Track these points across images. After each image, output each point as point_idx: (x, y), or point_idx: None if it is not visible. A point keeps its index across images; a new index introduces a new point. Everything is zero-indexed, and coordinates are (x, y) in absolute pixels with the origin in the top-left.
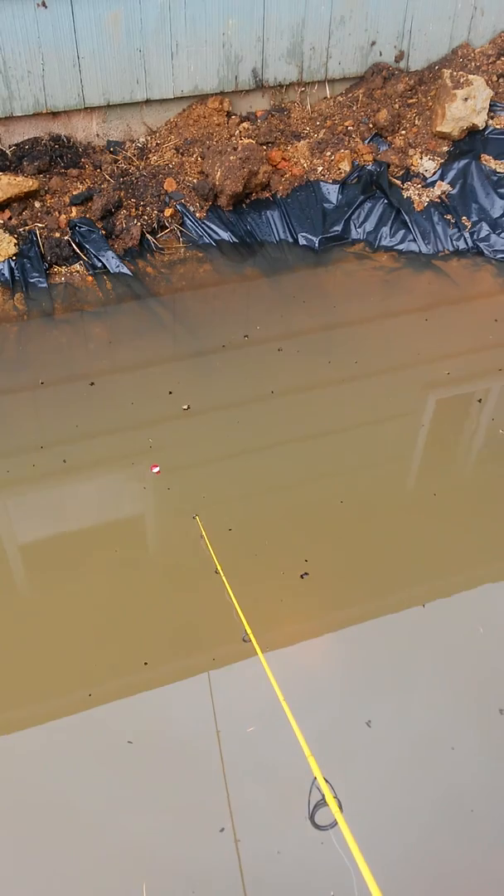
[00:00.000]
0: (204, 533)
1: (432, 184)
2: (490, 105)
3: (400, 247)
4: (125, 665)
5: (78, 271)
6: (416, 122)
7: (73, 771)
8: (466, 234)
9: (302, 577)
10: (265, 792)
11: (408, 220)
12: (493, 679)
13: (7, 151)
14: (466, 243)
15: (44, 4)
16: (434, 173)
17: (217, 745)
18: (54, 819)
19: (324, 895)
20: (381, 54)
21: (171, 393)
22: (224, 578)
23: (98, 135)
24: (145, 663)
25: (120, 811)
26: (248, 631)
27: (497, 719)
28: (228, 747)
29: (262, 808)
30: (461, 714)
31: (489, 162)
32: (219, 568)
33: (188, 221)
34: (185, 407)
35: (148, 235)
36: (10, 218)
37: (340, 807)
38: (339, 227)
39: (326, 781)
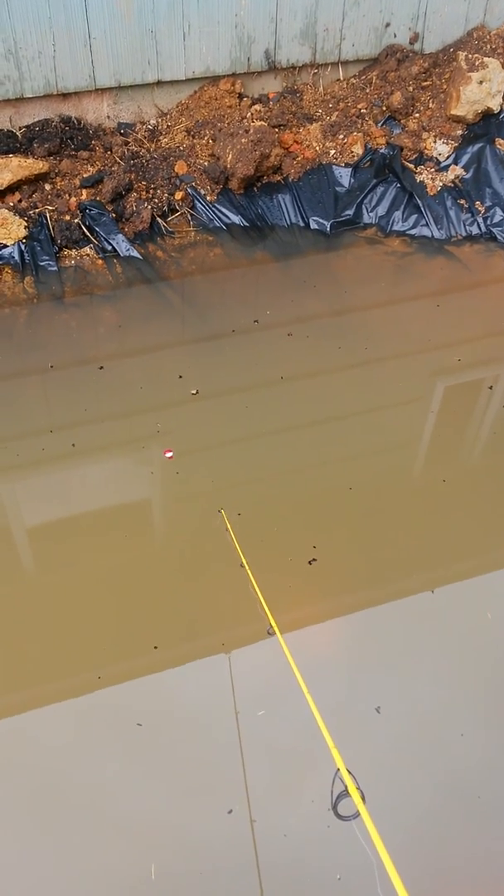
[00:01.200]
0: (230, 526)
1: (446, 168)
2: None
3: (412, 231)
4: (135, 648)
5: (88, 254)
6: (430, 105)
7: (82, 753)
8: (480, 219)
9: (310, 563)
10: (275, 775)
11: (420, 205)
12: (502, 665)
13: (17, 133)
14: (479, 228)
15: None
16: (448, 157)
17: (226, 728)
18: (63, 800)
19: (331, 877)
20: (395, 36)
21: (181, 377)
22: (250, 573)
23: (109, 116)
24: (155, 647)
25: (128, 793)
26: (274, 624)
27: None
28: (238, 730)
29: (271, 790)
30: (470, 700)
31: (503, 146)
32: (245, 562)
33: (199, 205)
34: (194, 392)
35: (158, 219)
36: (20, 200)
37: (363, 798)
38: (350, 212)
39: (349, 773)
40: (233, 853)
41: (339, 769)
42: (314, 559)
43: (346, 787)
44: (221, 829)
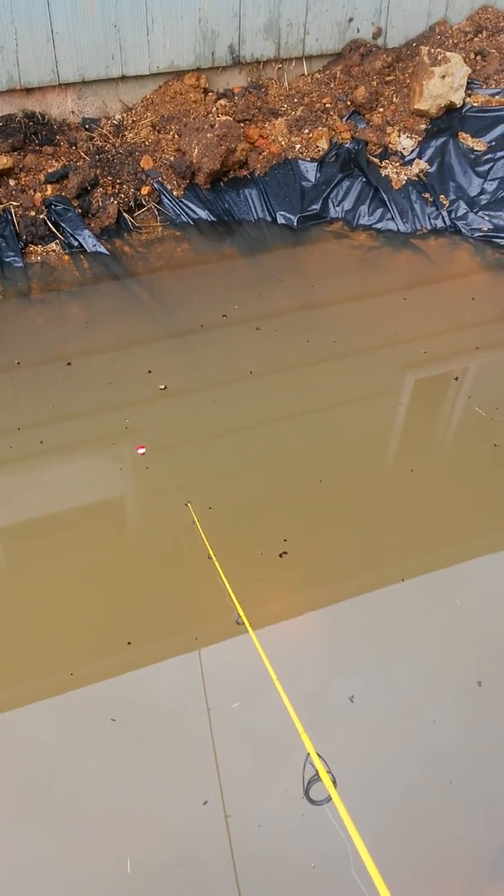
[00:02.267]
0: (196, 520)
1: (410, 162)
2: (468, 82)
3: (378, 225)
4: (108, 645)
5: (54, 250)
6: (394, 99)
7: (55, 748)
8: (444, 213)
9: (281, 556)
10: (249, 766)
11: (386, 199)
12: (471, 651)
13: None
14: (444, 222)
15: None
16: (412, 151)
17: (200, 721)
18: (38, 795)
19: (306, 866)
20: (358, 31)
21: (150, 372)
22: (217, 564)
23: (73, 112)
24: (129, 643)
25: (102, 787)
26: (242, 614)
27: (475, 691)
28: (211, 723)
29: (246, 781)
30: (441, 686)
31: (466, 140)
32: (212, 554)
33: (165, 200)
34: (162, 387)
35: (125, 214)
36: None
37: (334, 782)
38: (317, 206)
39: (320, 757)
40: (208, 844)
41: (309, 754)
42: (285, 552)
43: (316, 771)
44: (196, 820)
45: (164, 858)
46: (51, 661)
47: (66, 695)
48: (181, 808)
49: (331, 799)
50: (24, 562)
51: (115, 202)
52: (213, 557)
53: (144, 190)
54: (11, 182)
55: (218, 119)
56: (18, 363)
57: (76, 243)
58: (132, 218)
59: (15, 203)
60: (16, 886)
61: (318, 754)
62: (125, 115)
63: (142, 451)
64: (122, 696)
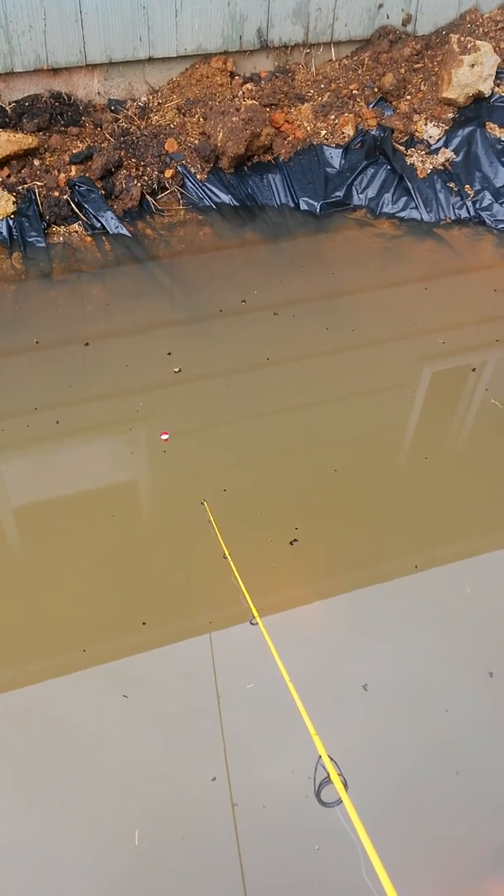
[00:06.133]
0: (212, 518)
1: (436, 151)
2: (497, 72)
3: (402, 214)
4: (122, 624)
5: (77, 231)
6: (422, 87)
7: (68, 722)
8: (469, 203)
9: (291, 543)
10: (258, 747)
11: (410, 187)
12: (483, 641)
13: (7, 108)
14: (468, 212)
15: None
16: (438, 140)
17: (213, 702)
18: (53, 767)
19: (310, 849)
20: (388, 17)
21: (169, 354)
22: (232, 563)
23: (99, 93)
24: (143, 623)
25: (114, 759)
26: (256, 614)
27: (487, 682)
28: (224, 705)
29: (254, 762)
30: (452, 676)
31: (494, 130)
32: (227, 553)
33: (189, 183)
34: (177, 370)
35: (148, 196)
36: (8, 176)
37: (345, 785)
38: (340, 193)
39: (331, 759)
40: (215, 819)
41: (320, 756)
42: (296, 539)
43: (328, 773)
44: (206, 796)
45: (171, 834)
46: (63, 636)
47: (79, 671)
48: (190, 783)
49: (341, 801)
50: (39, 540)
51: (139, 184)
52: (229, 557)
53: (168, 173)
54: (36, 162)
55: (244, 103)
56: (37, 342)
57: (98, 224)
58: (155, 200)
59: (39, 183)
60: (29, 850)
61: (329, 757)
62: (151, 98)
63: (165, 436)
64: (133, 674)
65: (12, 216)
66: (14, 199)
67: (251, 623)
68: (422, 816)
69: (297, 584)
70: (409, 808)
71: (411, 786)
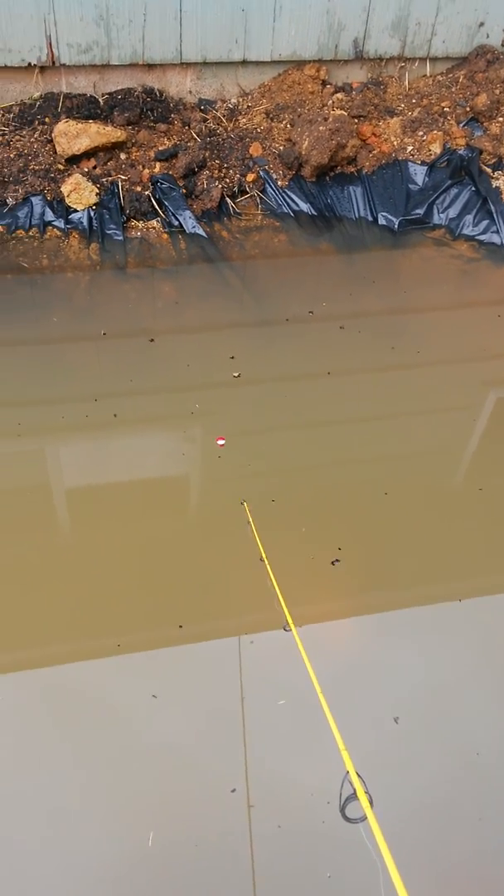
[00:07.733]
0: (251, 520)
1: None
2: None
3: (482, 237)
4: (158, 621)
5: (154, 227)
6: None
7: (93, 715)
8: None
9: (333, 563)
10: (281, 762)
11: (493, 211)
12: None
13: (99, 100)
14: None
15: None
16: None
17: (240, 711)
18: (67, 761)
19: (323, 877)
20: (487, 36)
21: (233, 358)
22: (269, 568)
23: (191, 91)
24: (180, 626)
25: (134, 760)
26: (290, 621)
27: None
28: (251, 715)
29: (275, 776)
30: (486, 703)
31: None
32: (264, 556)
33: (269, 189)
34: (236, 374)
35: (227, 199)
36: (94, 167)
37: (371, 802)
38: (421, 210)
39: (359, 776)
40: (230, 830)
41: (348, 772)
42: (338, 559)
43: (354, 790)
44: (223, 806)
45: (184, 838)
46: (98, 627)
47: (110, 663)
48: (207, 793)
49: (366, 818)
50: (86, 527)
51: (220, 186)
52: (266, 560)
53: (250, 177)
54: (122, 156)
55: (332, 112)
56: (104, 333)
57: (176, 223)
58: (234, 203)
59: (123, 177)
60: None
61: (357, 773)
62: (241, 100)
63: (221, 442)
64: (165, 675)
65: (94, 207)
66: (98, 191)
67: (284, 629)
68: (444, 837)
69: (334, 599)
70: (432, 830)
71: (437, 810)
